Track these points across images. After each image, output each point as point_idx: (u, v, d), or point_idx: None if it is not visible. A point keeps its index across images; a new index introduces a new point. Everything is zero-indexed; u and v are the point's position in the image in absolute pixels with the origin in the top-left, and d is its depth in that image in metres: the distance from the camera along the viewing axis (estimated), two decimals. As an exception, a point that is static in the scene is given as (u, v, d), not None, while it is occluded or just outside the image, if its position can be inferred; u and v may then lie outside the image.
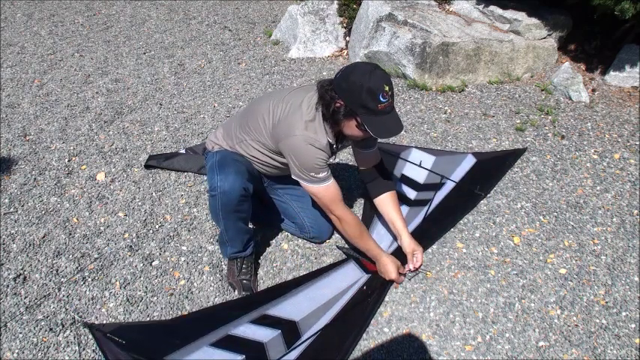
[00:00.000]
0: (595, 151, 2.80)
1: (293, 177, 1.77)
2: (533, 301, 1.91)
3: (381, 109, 1.54)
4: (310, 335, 1.72)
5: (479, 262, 2.08)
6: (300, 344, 1.69)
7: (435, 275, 2.02)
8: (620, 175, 2.60)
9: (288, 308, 1.82)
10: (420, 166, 2.52)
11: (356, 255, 2.04)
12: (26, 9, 4.91)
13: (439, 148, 2.80)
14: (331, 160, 1.92)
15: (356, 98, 1.53)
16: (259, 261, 2.10)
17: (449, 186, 2.43)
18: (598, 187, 2.51)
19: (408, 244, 1.98)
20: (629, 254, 2.12)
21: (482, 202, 2.39)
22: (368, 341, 1.76)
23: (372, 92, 1.51)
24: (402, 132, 2.94)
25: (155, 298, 1.91)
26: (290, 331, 1.74)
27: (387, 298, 1.91)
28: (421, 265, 2.00)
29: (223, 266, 2.06)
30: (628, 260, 2.09)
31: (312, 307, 1.83)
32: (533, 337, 1.78)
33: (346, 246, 2.12)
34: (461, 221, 2.28)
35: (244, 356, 1.64)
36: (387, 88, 1.53)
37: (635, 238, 2.20)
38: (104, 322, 1.80)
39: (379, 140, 1.94)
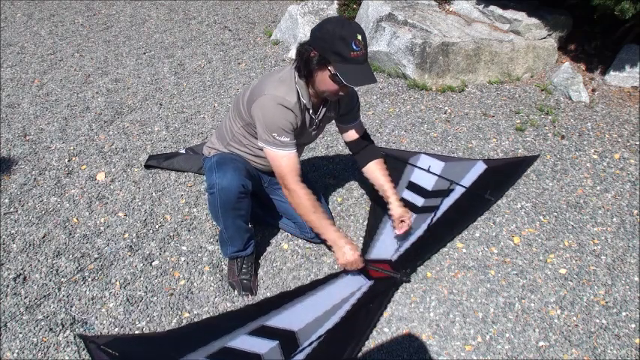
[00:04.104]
0: (595, 151, 2.80)
1: (258, 142, 1.76)
2: (533, 301, 1.91)
3: (353, 57, 1.54)
4: (308, 344, 1.66)
5: (479, 262, 2.08)
6: (298, 353, 1.64)
7: (435, 275, 2.02)
8: (620, 175, 2.60)
9: (287, 318, 1.77)
10: (428, 171, 2.46)
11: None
12: (26, 9, 4.91)
13: (439, 148, 2.80)
14: (313, 135, 1.91)
15: (329, 45, 1.55)
16: (259, 261, 2.10)
17: (458, 191, 2.38)
18: (598, 187, 2.51)
19: (397, 209, 1.97)
20: (629, 254, 2.12)
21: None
22: (368, 341, 1.76)
23: (345, 39, 1.53)
24: (402, 132, 2.94)
25: (155, 298, 1.91)
26: (288, 341, 1.68)
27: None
28: (408, 231, 1.99)
29: (223, 266, 2.06)
30: (628, 260, 2.09)
31: (312, 316, 1.78)
32: (533, 337, 1.78)
33: None
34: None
35: None
36: (359, 37, 1.55)
37: (635, 238, 2.20)
38: (103, 323, 1.80)
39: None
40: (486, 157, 2.73)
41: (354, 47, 1.53)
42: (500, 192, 2.43)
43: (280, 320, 1.77)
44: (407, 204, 2.18)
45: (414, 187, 2.43)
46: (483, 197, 2.34)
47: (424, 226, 2.18)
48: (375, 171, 2.03)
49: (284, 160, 1.72)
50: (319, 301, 1.84)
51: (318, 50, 1.57)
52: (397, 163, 2.54)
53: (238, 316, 1.81)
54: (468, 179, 2.47)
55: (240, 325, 1.74)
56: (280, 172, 1.74)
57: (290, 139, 1.71)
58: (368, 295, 1.87)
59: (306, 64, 1.61)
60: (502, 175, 2.53)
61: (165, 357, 1.62)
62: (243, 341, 1.68)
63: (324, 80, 1.62)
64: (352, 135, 2.03)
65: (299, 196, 1.74)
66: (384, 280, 1.93)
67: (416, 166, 2.52)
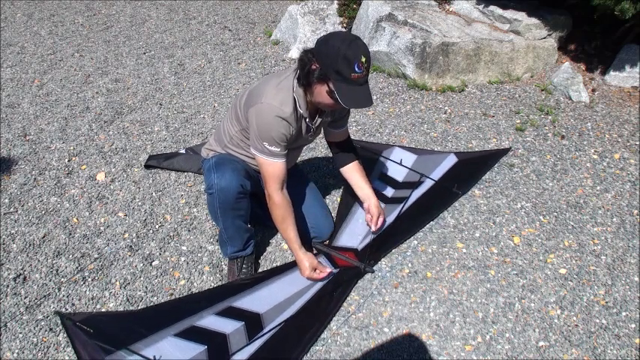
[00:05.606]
0: (595, 151, 2.80)
1: (250, 147, 1.78)
2: (533, 301, 1.91)
3: (354, 79, 1.54)
4: (272, 327, 1.74)
5: (479, 262, 2.08)
6: (261, 336, 1.71)
7: (435, 275, 2.02)
8: (620, 175, 2.60)
9: (253, 301, 1.84)
10: (400, 164, 2.53)
11: (326, 250, 2.07)
12: (26, 9, 4.91)
13: (439, 148, 2.80)
14: (310, 139, 1.93)
15: (332, 62, 1.54)
16: (259, 261, 2.10)
17: (427, 184, 2.44)
18: (598, 187, 2.51)
19: (376, 207, 2.05)
20: (629, 254, 2.12)
21: (482, 202, 2.39)
22: (368, 341, 1.76)
23: (349, 60, 1.52)
24: (402, 132, 2.94)
25: (155, 298, 1.91)
26: (253, 323, 1.76)
27: (387, 298, 1.92)
28: (381, 227, 2.06)
29: (223, 266, 2.06)
30: (628, 260, 2.09)
31: (277, 300, 1.85)
32: (533, 337, 1.78)
33: (319, 241, 2.14)
34: (461, 221, 2.28)
35: (206, 346, 1.67)
36: (363, 60, 1.54)
37: (635, 238, 2.20)
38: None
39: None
40: (459, 150, 2.76)
41: (357, 69, 1.53)
42: (469, 185, 2.48)
43: (246, 302, 1.84)
44: (377, 194, 2.25)
45: (385, 178, 2.49)
46: (451, 191, 2.40)
47: (393, 217, 2.24)
48: (354, 172, 2.09)
49: (270, 167, 1.76)
50: (285, 286, 1.91)
51: (320, 64, 1.57)
52: (371, 156, 2.60)
53: (207, 297, 1.88)
54: (438, 172, 2.52)
55: (208, 305, 1.82)
56: (265, 177, 1.79)
57: (280, 150, 1.73)
58: (333, 282, 1.94)
59: (307, 75, 1.62)
60: (472, 167, 2.59)
61: (135, 333, 1.69)
62: (210, 321, 1.76)
63: (322, 94, 1.63)
64: (337, 138, 2.08)
65: (274, 203, 1.80)
66: (349, 270, 2.00)
67: (388, 159, 2.59)
